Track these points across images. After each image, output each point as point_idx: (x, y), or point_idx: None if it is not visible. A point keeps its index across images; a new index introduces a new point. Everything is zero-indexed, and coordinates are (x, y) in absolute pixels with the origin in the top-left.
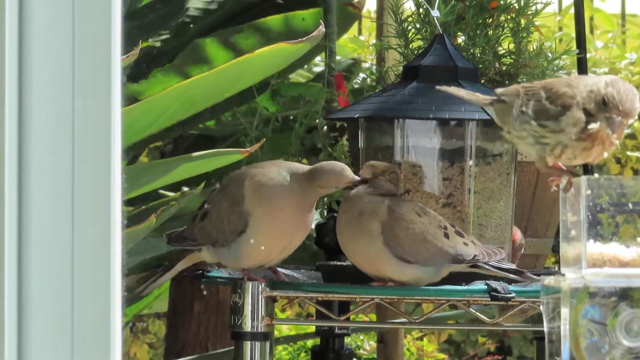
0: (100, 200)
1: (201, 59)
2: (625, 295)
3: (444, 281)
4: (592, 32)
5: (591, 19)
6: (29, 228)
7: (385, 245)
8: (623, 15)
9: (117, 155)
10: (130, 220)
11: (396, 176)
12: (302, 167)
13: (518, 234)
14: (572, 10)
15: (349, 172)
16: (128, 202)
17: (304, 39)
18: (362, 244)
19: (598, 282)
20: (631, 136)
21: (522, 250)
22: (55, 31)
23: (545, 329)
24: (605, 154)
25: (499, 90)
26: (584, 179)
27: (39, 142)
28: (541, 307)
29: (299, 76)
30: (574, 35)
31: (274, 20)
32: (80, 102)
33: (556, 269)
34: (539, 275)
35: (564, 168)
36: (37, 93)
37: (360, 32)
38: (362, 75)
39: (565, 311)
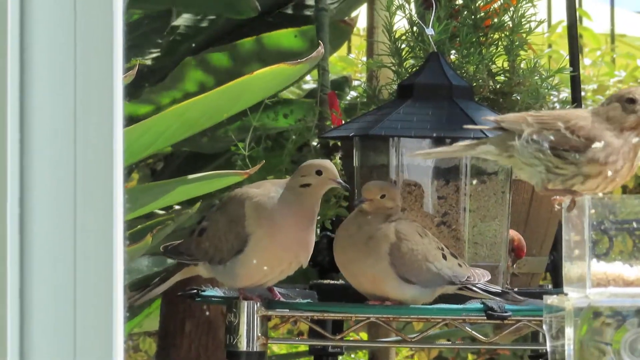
0: (102, 221)
1: (193, 77)
2: (629, 314)
3: (435, 301)
4: (580, 50)
5: (580, 36)
6: (31, 252)
7: (391, 266)
8: (612, 34)
9: (119, 175)
10: (126, 240)
11: (397, 194)
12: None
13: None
14: (560, 29)
15: (321, 160)
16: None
17: (303, 59)
18: (368, 264)
19: (602, 301)
20: None
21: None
22: (57, 53)
23: (549, 348)
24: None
25: (497, 118)
26: (587, 198)
27: (41, 164)
28: (543, 326)
29: (289, 93)
30: (562, 51)
31: (260, 40)
32: (82, 122)
33: (550, 287)
34: (526, 295)
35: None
36: (39, 115)
37: (349, 50)
38: (353, 93)
39: (569, 331)
